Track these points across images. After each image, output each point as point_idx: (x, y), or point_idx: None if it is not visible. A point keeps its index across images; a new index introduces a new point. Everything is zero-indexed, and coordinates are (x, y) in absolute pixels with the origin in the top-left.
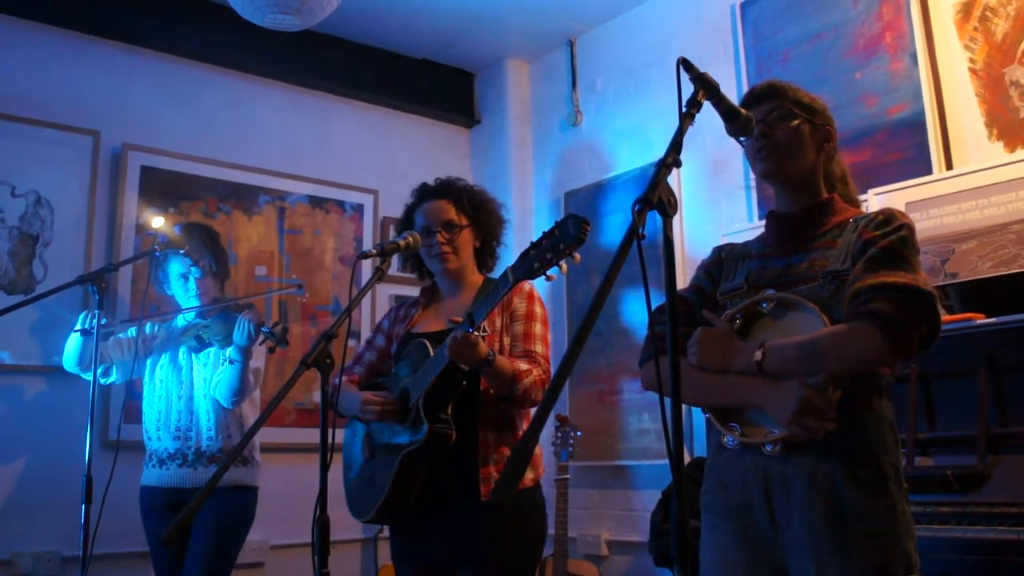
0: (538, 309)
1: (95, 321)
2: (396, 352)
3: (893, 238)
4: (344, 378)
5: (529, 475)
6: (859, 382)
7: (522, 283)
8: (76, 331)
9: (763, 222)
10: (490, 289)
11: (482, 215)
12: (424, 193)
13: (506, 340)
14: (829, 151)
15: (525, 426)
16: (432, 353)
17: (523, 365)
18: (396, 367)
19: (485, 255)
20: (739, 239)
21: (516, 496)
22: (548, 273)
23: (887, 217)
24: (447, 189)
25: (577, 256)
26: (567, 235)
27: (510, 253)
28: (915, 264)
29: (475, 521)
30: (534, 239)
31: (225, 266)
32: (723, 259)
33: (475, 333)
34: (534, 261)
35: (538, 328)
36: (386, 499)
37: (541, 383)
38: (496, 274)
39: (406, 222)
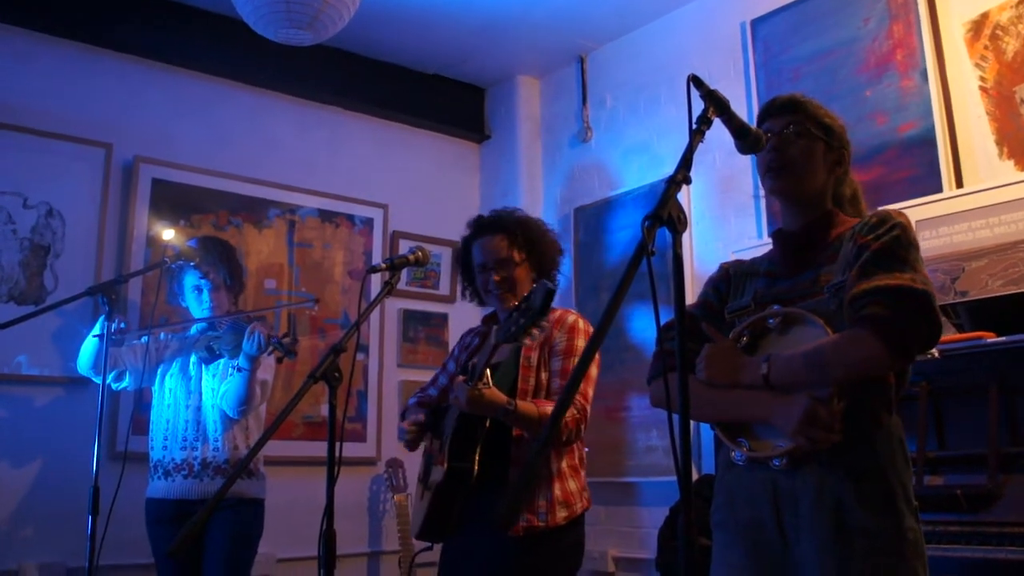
0: (580, 343)
1: (113, 326)
2: None
3: (886, 239)
4: (418, 396)
5: (562, 513)
6: (866, 394)
7: (565, 315)
8: (95, 336)
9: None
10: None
11: (537, 248)
12: (479, 227)
13: (543, 376)
14: (839, 175)
15: (563, 463)
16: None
17: (550, 408)
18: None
19: None
20: (748, 256)
21: (548, 534)
22: (525, 342)
23: (880, 219)
24: (500, 224)
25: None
26: (533, 306)
27: None
28: (912, 261)
29: (507, 555)
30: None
31: (240, 280)
32: (731, 275)
33: (477, 387)
34: (512, 326)
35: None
36: (424, 523)
37: (575, 422)
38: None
39: (464, 254)
